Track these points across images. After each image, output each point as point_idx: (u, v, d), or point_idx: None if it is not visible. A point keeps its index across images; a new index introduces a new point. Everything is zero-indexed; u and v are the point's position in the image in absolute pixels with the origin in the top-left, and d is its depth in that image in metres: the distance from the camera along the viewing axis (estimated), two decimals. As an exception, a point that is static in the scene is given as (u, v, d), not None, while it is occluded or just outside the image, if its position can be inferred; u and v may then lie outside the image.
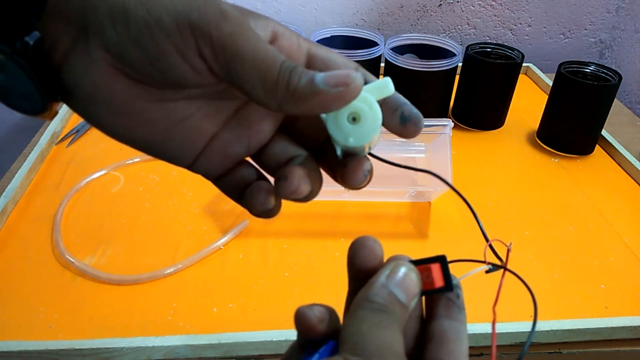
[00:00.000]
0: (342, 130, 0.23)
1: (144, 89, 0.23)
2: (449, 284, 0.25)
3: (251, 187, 0.25)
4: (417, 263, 0.25)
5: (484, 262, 0.27)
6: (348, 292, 0.26)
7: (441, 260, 0.25)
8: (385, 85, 0.23)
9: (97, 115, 0.24)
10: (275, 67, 0.21)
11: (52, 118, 0.24)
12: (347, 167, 0.25)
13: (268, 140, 0.26)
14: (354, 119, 0.23)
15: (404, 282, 0.23)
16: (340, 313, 0.26)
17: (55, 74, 0.22)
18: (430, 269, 0.24)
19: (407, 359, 0.22)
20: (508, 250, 0.29)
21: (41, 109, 0.23)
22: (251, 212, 0.26)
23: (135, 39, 0.21)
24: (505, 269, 0.29)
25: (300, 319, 0.25)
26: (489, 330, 0.48)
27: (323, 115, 0.24)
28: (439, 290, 0.24)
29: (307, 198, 0.25)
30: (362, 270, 0.25)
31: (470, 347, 0.48)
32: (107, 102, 0.23)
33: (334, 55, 0.26)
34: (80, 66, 0.22)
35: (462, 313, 0.27)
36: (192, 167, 0.26)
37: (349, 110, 0.23)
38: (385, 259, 0.25)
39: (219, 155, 0.26)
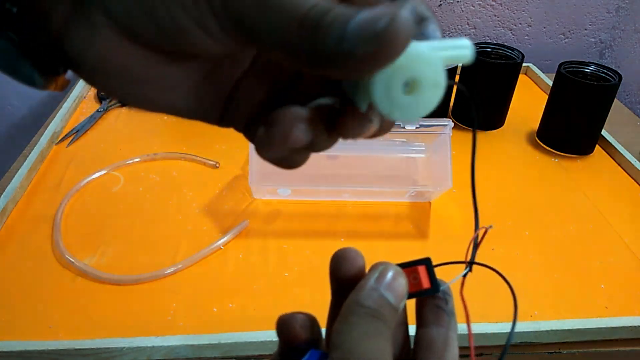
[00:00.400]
0: (389, 99, 0.18)
1: (159, 55, 0.20)
2: (435, 286, 0.25)
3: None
4: (403, 266, 0.24)
5: (465, 262, 0.27)
6: (331, 303, 0.26)
7: (426, 262, 0.25)
8: (462, 49, 0.18)
9: (109, 87, 0.21)
10: (299, 13, 0.17)
11: (63, 89, 0.22)
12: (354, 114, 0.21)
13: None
14: (409, 87, 0.18)
15: (393, 285, 0.23)
16: (323, 320, 0.26)
17: (52, 45, 0.19)
18: (417, 271, 0.24)
19: None
20: (485, 231, 0.28)
21: (34, 83, 0.20)
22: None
23: (148, 13, 0.18)
24: (473, 263, 0.28)
25: (283, 326, 0.25)
26: (489, 330, 0.48)
27: None
28: (425, 292, 0.25)
29: (310, 149, 0.21)
30: (345, 281, 0.25)
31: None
32: (119, 73, 0.20)
33: None
34: (83, 36, 0.19)
35: (452, 319, 0.27)
36: (221, 122, 0.24)
37: (406, 74, 0.17)
38: (381, 260, 0.25)
39: (246, 104, 0.23)
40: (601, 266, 0.57)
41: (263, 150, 0.21)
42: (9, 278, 0.53)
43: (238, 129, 0.24)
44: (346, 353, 0.20)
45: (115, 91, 0.21)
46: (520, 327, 0.48)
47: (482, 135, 0.81)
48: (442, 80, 0.18)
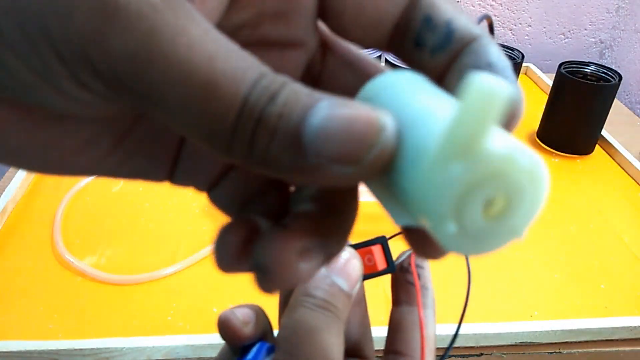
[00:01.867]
0: (466, 233, 0.11)
1: (51, 114, 0.14)
2: (392, 265, 0.23)
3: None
4: (357, 247, 0.23)
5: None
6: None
7: (382, 241, 0.23)
8: (487, 104, 0.10)
9: (12, 161, 0.14)
10: (231, 110, 0.11)
11: None
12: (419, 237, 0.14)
13: None
14: (492, 208, 0.11)
15: (345, 269, 0.21)
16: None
17: None
18: (372, 252, 0.22)
19: (350, 353, 0.20)
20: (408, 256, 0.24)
21: None
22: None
23: None
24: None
25: (223, 325, 0.22)
26: (489, 331, 0.48)
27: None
28: (381, 273, 0.23)
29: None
30: None
31: (470, 347, 0.49)
32: (8, 145, 0.14)
33: None
34: None
35: (426, 296, 0.24)
36: (173, 180, 0.18)
37: (489, 189, 0.11)
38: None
39: (201, 157, 0.17)
40: (601, 266, 0.57)
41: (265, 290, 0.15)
42: (9, 278, 0.53)
43: (200, 190, 0.19)
44: (293, 350, 0.18)
45: (8, 161, 0.14)
46: (520, 327, 0.48)
47: (482, 135, 0.81)
48: (543, 195, 0.12)
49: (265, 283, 0.13)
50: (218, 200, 0.18)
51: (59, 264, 0.55)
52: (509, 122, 0.13)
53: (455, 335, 0.24)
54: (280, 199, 0.16)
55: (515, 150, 0.11)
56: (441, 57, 0.13)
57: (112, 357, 0.45)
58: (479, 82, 0.10)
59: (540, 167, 0.11)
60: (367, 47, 0.15)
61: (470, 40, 0.13)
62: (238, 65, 0.11)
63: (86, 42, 0.11)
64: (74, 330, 0.48)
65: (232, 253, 0.14)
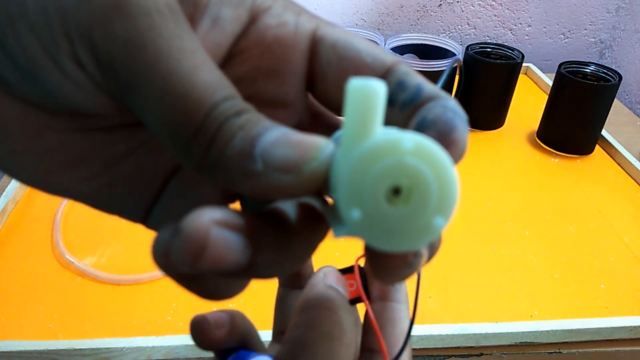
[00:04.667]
0: (379, 224, 0.12)
1: (49, 115, 0.15)
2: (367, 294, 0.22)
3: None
4: (343, 272, 0.22)
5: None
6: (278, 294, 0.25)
7: (359, 267, 0.22)
8: (365, 100, 0.12)
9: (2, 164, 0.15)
10: (196, 112, 0.13)
11: None
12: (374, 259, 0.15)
13: None
14: (397, 193, 0.12)
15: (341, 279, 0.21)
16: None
17: None
18: (353, 277, 0.22)
19: None
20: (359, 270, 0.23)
21: None
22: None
23: None
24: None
25: (194, 328, 0.21)
26: (489, 331, 0.48)
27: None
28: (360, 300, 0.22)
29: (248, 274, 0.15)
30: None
31: (470, 347, 0.49)
32: (6, 148, 0.15)
33: (361, 42, 0.16)
34: None
35: (401, 290, 0.24)
36: (147, 222, 0.19)
37: (388, 177, 0.12)
38: None
39: (181, 202, 0.18)
40: (601, 266, 0.57)
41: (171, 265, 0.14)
42: (9, 278, 0.53)
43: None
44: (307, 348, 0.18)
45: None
46: (520, 327, 0.48)
47: (482, 135, 0.81)
48: (451, 178, 0.12)
49: (179, 251, 0.13)
50: None
51: (59, 264, 0.55)
52: (450, 141, 0.14)
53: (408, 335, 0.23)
54: None
55: (404, 136, 0.11)
56: (406, 112, 0.15)
57: (112, 357, 0.45)
58: (355, 81, 0.11)
59: (437, 151, 0.11)
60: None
61: (434, 96, 0.15)
62: (217, 81, 0.13)
63: (93, 24, 0.13)
64: (74, 330, 0.48)
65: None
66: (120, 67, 0.13)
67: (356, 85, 0.11)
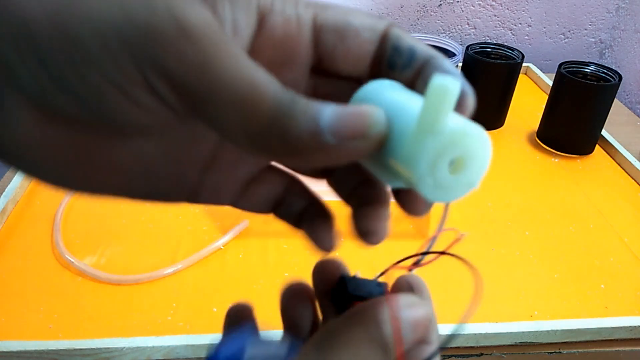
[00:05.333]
0: (434, 181, 0.16)
1: (94, 132, 0.16)
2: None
3: (312, 225, 0.21)
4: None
5: (435, 252, 0.25)
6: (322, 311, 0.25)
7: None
8: (445, 95, 0.15)
9: (44, 175, 0.17)
10: (264, 107, 0.14)
11: None
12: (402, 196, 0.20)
13: None
14: (454, 165, 0.16)
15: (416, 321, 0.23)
16: None
17: None
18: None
19: None
20: (457, 240, 0.26)
21: None
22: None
23: (57, 77, 0.14)
24: (444, 253, 0.26)
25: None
26: (489, 331, 0.48)
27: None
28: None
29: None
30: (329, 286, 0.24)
31: (470, 347, 0.49)
32: (47, 159, 0.16)
33: (355, 17, 0.18)
34: None
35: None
36: (195, 199, 0.20)
37: (451, 153, 0.15)
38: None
39: (224, 183, 0.20)
40: (601, 266, 0.57)
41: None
42: (9, 278, 0.53)
43: (223, 204, 0.22)
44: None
45: (53, 179, 0.17)
46: (520, 327, 0.48)
47: (482, 135, 0.81)
48: (489, 156, 0.16)
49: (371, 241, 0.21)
50: (249, 207, 0.22)
51: (59, 264, 0.55)
52: (463, 105, 0.18)
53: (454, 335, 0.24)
54: (302, 193, 0.22)
55: (466, 125, 0.15)
56: (408, 73, 0.18)
57: (112, 357, 0.45)
58: (437, 80, 0.14)
59: (484, 135, 0.16)
60: (354, 78, 0.19)
61: (428, 58, 0.18)
62: (268, 78, 0.15)
63: (164, 52, 0.14)
64: (74, 330, 0.48)
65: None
66: (196, 86, 0.14)
67: (438, 83, 0.14)
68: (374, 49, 0.18)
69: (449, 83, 0.14)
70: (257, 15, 0.17)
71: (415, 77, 0.18)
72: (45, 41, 0.14)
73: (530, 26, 1.06)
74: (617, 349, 0.49)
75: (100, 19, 0.14)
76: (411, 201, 0.20)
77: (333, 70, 0.19)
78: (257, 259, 0.56)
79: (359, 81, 0.19)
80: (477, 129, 0.15)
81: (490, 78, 0.77)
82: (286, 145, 0.15)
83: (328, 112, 0.15)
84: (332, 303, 0.24)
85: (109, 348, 0.45)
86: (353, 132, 0.15)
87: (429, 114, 0.15)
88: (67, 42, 0.14)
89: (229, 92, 0.14)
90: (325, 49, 0.18)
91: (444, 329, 0.48)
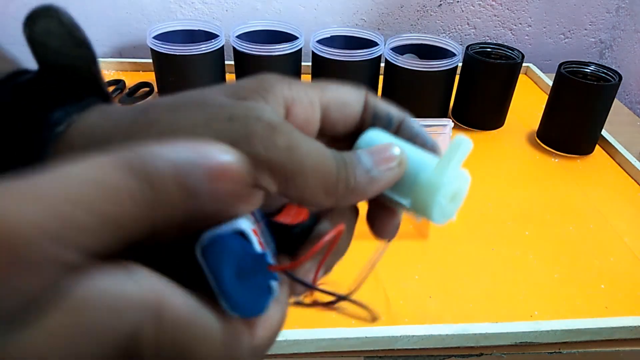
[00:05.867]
0: (441, 209, 0.21)
1: None
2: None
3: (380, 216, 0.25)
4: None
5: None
6: None
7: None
8: (465, 148, 0.22)
9: None
10: (333, 168, 0.20)
11: None
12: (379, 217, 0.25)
13: None
14: (452, 198, 0.22)
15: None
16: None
17: None
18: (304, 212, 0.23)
19: None
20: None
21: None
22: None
23: None
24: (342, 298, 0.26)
25: None
26: (489, 331, 0.48)
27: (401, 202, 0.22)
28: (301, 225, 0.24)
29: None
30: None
31: (470, 347, 0.49)
32: None
33: (345, 93, 0.24)
34: None
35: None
36: None
37: (452, 190, 0.21)
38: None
39: None
40: (601, 266, 0.57)
41: None
42: (9, 278, 0.53)
43: None
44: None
45: None
46: (520, 327, 0.48)
47: (482, 135, 0.81)
48: (467, 186, 0.22)
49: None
50: None
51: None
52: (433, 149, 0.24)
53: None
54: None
55: (462, 172, 0.22)
56: (392, 130, 0.24)
57: (112, 357, 0.45)
58: (459, 137, 0.21)
59: (467, 176, 0.22)
60: (344, 136, 0.25)
61: (402, 119, 0.24)
62: (325, 147, 0.20)
63: (263, 143, 0.19)
64: (74, 330, 0.47)
65: None
66: (284, 165, 0.19)
67: (458, 139, 0.21)
68: (361, 114, 0.24)
69: (466, 140, 0.21)
70: (284, 106, 0.22)
71: (396, 132, 0.24)
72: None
73: (530, 26, 1.06)
74: (617, 349, 0.49)
75: (196, 129, 0.19)
76: (383, 226, 0.25)
77: (332, 132, 0.24)
78: (257, 259, 0.56)
79: (346, 137, 0.24)
80: (462, 172, 0.22)
81: (490, 78, 0.77)
82: (351, 188, 0.20)
83: (362, 155, 0.21)
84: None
85: (109, 348, 0.45)
86: (387, 158, 0.21)
87: (449, 158, 0.21)
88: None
89: (311, 163, 0.19)
90: (329, 120, 0.24)
91: (444, 329, 0.48)
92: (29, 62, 0.22)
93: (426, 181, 0.21)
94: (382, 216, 0.24)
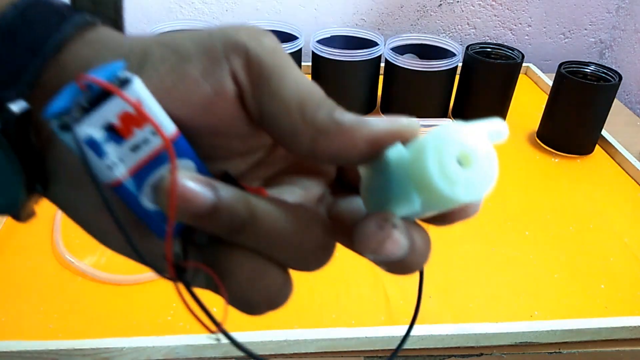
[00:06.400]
0: (447, 172, 0.16)
1: None
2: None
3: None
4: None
5: None
6: None
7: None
8: (501, 132, 0.18)
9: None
10: (319, 91, 0.18)
11: (25, 220, 0.20)
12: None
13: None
14: (462, 162, 0.17)
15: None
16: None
17: (39, 159, 0.18)
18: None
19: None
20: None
21: (15, 204, 0.18)
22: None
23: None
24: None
25: None
26: (489, 331, 0.48)
27: (395, 153, 0.17)
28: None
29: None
30: None
31: (470, 347, 0.49)
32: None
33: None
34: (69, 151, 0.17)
35: None
36: None
37: (458, 147, 0.16)
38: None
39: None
40: (601, 266, 0.57)
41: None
42: (9, 278, 0.53)
43: None
44: None
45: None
46: (520, 327, 0.48)
47: (482, 135, 0.81)
48: (491, 149, 0.17)
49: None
50: None
51: (59, 264, 0.54)
52: None
53: (406, 336, 0.23)
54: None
55: (466, 127, 0.17)
56: None
57: (112, 357, 0.45)
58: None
59: (482, 131, 0.18)
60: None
61: None
62: (314, 87, 0.18)
63: (250, 40, 0.18)
64: (74, 330, 0.48)
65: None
66: (267, 63, 0.18)
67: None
68: None
69: (501, 123, 0.19)
70: None
71: None
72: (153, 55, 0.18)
73: (530, 26, 1.06)
74: (617, 349, 0.49)
75: (195, 36, 0.18)
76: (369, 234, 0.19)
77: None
78: (257, 259, 0.56)
79: None
80: (468, 127, 0.17)
81: (490, 78, 0.77)
82: (334, 121, 0.17)
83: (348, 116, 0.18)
84: None
85: (108, 348, 0.45)
86: (397, 119, 0.18)
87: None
88: (172, 48, 0.18)
89: (294, 74, 0.18)
90: None
91: (444, 329, 0.48)
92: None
93: (424, 139, 0.16)
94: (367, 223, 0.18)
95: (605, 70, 0.74)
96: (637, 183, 0.71)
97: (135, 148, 0.17)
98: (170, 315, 0.49)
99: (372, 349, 0.47)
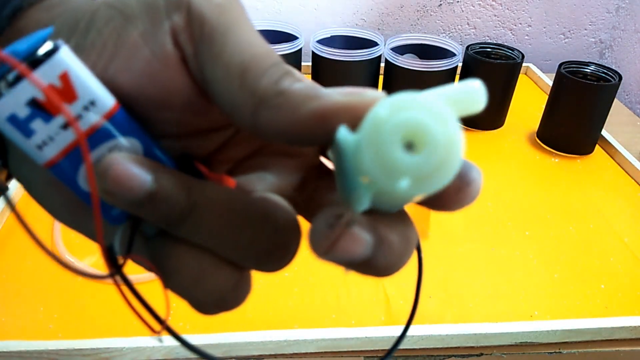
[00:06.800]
0: (385, 162, 0.13)
1: None
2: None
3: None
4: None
5: None
6: None
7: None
8: (474, 94, 0.14)
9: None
10: (271, 54, 0.16)
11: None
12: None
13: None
14: (411, 145, 0.13)
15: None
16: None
17: None
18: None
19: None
20: None
21: None
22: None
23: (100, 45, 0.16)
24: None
25: None
26: (489, 331, 0.48)
27: (341, 136, 0.14)
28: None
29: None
30: None
31: (470, 347, 0.49)
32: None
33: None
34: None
35: None
36: None
37: (403, 126, 0.13)
38: None
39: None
40: (601, 266, 0.57)
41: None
42: (9, 278, 0.53)
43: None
44: None
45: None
46: (520, 327, 0.48)
47: (482, 135, 0.81)
48: (452, 125, 0.13)
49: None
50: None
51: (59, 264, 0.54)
52: None
53: (402, 336, 0.22)
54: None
55: (437, 108, 0.14)
56: None
57: (112, 357, 0.45)
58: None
59: (452, 123, 0.13)
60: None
61: None
62: (266, 51, 0.16)
63: None
64: (74, 330, 0.48)
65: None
66: (210, 21, 0.16)
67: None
68: None
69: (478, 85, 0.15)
70: None
71: None
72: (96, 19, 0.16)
73: (530, 26, 1.06)
74: (617, 349, 0.49)
75: None
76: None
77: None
78: (257, 259, 0.56)
79: None
80: (440, 113, 0.13)
81: (490, 78, 0.77)
82: (280, 90, 0.15)
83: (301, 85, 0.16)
84: None
85: (108, 348, 0.45)
86: (350, 90, 0.16)
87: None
88: (117, 9, 0.16)
89: (242, 33, 0.16)
90: None
91: (444, 329, 0.48)
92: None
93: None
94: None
95: (605, 70, 0.74)
96: (637, 183, 0.71)
97: (67, 125, 0.15)
98: (170, 315, 0.49)
99: (372, 349, 0.47)
